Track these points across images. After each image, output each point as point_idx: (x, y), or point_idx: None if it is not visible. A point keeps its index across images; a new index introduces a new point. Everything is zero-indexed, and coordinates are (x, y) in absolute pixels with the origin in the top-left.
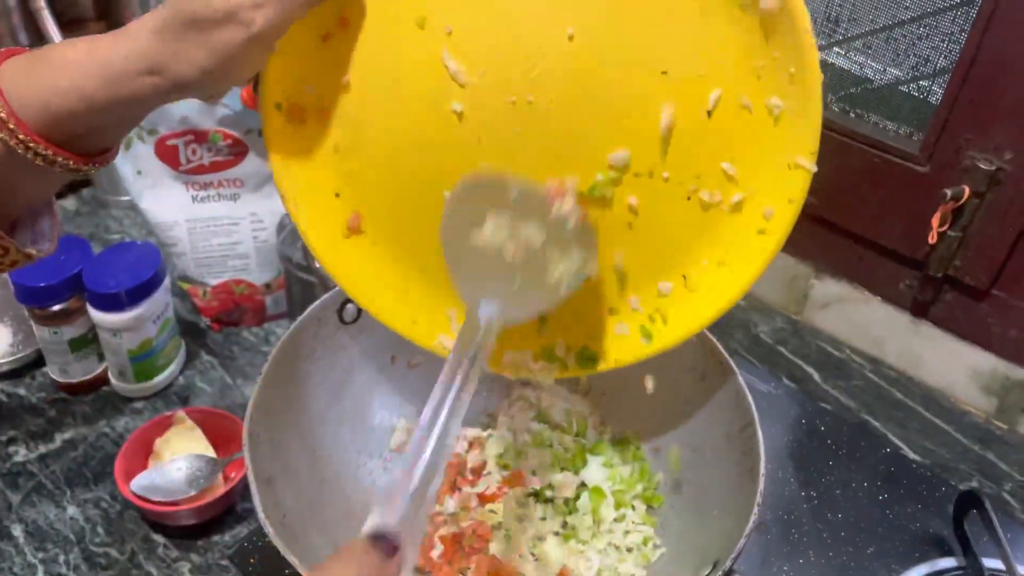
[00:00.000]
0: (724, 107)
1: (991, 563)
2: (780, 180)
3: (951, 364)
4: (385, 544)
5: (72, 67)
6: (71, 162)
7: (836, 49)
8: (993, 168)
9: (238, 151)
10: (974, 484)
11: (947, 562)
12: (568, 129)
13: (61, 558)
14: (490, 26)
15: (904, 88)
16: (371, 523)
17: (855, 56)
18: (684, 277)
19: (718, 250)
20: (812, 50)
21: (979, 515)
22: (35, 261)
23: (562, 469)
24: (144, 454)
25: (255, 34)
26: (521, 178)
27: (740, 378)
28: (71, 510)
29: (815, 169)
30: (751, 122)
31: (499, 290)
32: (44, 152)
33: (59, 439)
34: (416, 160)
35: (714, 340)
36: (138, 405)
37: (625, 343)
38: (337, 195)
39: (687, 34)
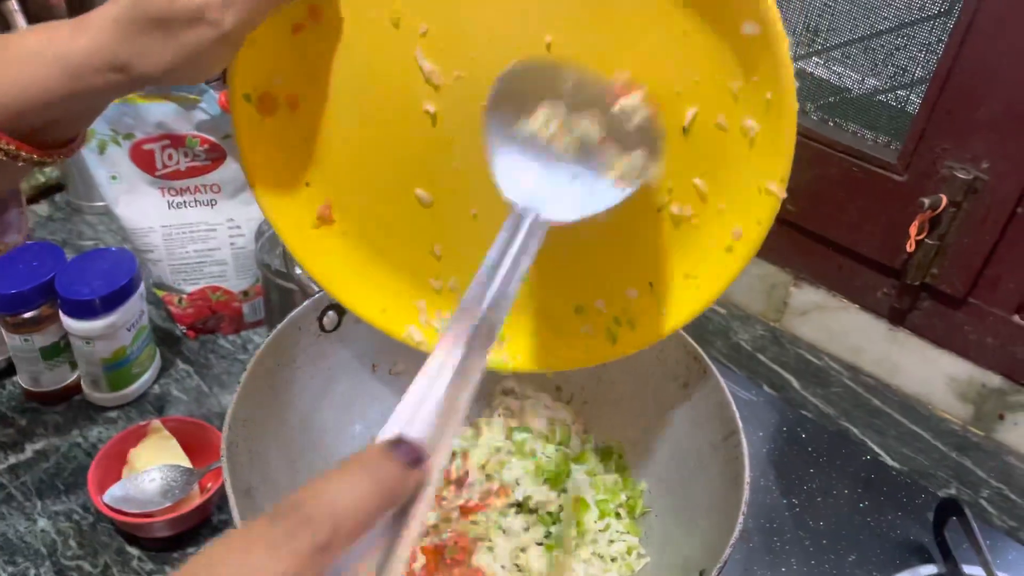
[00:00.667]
0: (700, 125)
1: (971, 570)
2: (750, 201)
3: (928, 372)
4: (406, 451)
5: (30, 60)
6: (35, 155)
7: (815, 59)
8: (970, 177)
9: (215, 156)
10: (952, 491)
11: (928, 569)
12: None
13: (32, 572)
14: (466, 29)
15: (882, 98)
16: (390, 428)
17: (834, 66)
18: (650, 284)
19: (685, 263)
20: (789, 78)
21: (959, 522)
22: (3, 253)
23: (545, 480)
24: (118, 465)
25: (225, 33)
26: (580, 66)
27: (724, 386)
28: (42, 522)
29: (784, 195)
30: (726, 142)
31: (546, 185)
32: (6, 147)
33: (30, 449)
34: (388, 158)
35: (697, 348)
36: (111, 414)
37: (590, 344)
38: (308, 184)
39: (667, 51)
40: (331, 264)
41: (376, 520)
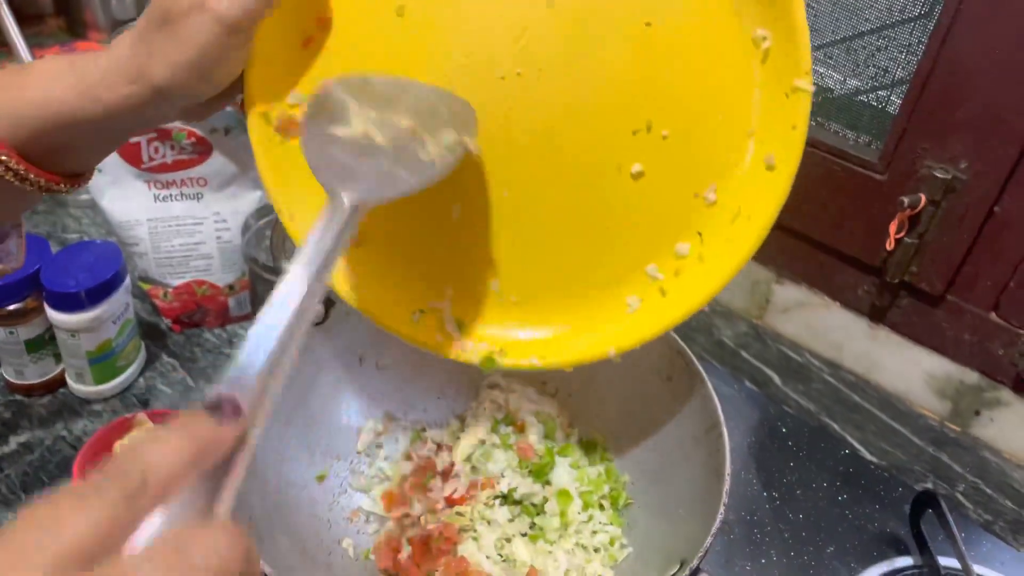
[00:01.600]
0: (707, 51)
1: (947, 561)
2: (780, 110)
3: (907, 368)
4: (223, 409)
5: (50, 79)
6: (43, 180)
7: None
8: (949, 177)
9: (202, 150)
10: (929, 485)
11: (904, 561)
12: (562, 97)
13: None
14: (470, 5)
15: (863, 98)
16: (210, 393)
17: (816, 66)
18: (700, 234)
19: (731, 202)
20: None
21: (935, 515)
22: None
23: (530, 472)
24: (103, 458)
25: (221, 17)
26: (385, 75)
27: (707, 380)
28: None
29: (812, 88)
30: (737, 59)
31: (367, 174)
32: (16, 167)
33: (14, 442)
34: None
35: (680, 342)
36: (96, 407)
37: (639, 319)
38: None
39: None
40: (361, 282)
41: (191, 471)
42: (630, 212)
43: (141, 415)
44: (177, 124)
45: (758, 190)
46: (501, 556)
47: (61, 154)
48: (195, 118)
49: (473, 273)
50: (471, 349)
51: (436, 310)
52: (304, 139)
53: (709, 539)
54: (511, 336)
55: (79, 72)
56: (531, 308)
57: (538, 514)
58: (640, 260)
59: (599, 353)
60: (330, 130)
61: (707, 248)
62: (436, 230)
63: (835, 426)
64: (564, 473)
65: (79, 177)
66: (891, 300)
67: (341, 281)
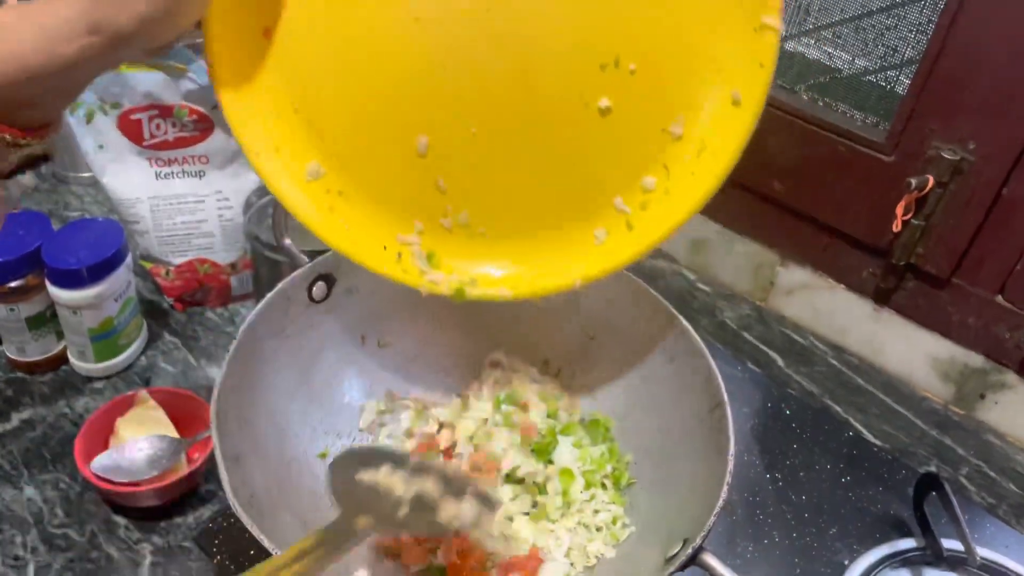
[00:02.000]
0: None
1: (950, 544)
2: (747, 45)
3: (911, 351)
4: None
5: (5, 35)
6: (8, 135)
7: (806, 39)
8: (957, 158)
9: (204, 127)
10: (932, 468)
11: (907, 543)
12: (529, 32)
13: (18, 539)
14: None
15: (872, 78)
16: None
17: (824, 46)
18: (666, 168)
19: (697, 136)
20: None
21: (938, 497)
22: None
23: (532, 451)
24: (105, 435)
25: None
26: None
27: (710, 359)
28: (28, 491)
29: (781, 27)
30: None
31: (380, 511)
32: None
33: (16, 419)
34: (378, 97)
35: (684, 321)
36: (98, 385)
37: (605, 250)
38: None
39: None
40: (333, 218)
41: None
42: (598, 147)
43: (143, 393)
44: (179, 101)
45: (724, 125)
46: (504, 535)
47: (24, 107)
48: (153, 56)
49: (442, 206)
50: (442, 281)
51: (406, 243)
52: (330, 472)
53: (712, 519)
54: (481, 268)
55: (36, 24)
56: (500, 240)
57: (540, 493)
58: (608, 193)
59: (566, 283)
60: (358, 471)
61: (673, 182)
62: (403, 163)
63: (838, 408)
64: (566, 452)
65: (46, 127)
66: (896, 283)
67: (310, 213)
